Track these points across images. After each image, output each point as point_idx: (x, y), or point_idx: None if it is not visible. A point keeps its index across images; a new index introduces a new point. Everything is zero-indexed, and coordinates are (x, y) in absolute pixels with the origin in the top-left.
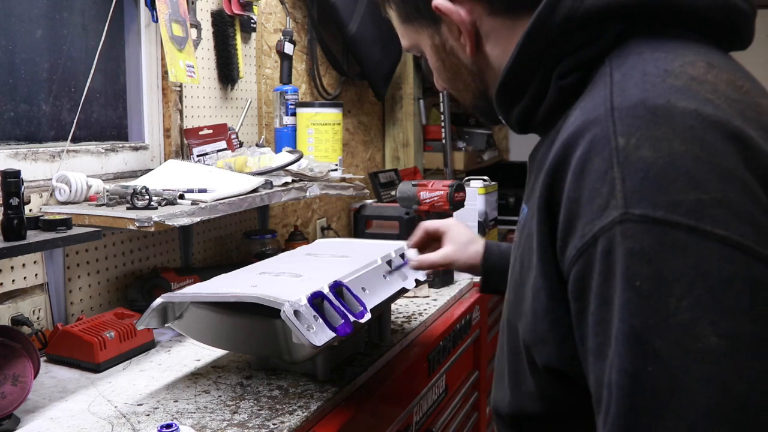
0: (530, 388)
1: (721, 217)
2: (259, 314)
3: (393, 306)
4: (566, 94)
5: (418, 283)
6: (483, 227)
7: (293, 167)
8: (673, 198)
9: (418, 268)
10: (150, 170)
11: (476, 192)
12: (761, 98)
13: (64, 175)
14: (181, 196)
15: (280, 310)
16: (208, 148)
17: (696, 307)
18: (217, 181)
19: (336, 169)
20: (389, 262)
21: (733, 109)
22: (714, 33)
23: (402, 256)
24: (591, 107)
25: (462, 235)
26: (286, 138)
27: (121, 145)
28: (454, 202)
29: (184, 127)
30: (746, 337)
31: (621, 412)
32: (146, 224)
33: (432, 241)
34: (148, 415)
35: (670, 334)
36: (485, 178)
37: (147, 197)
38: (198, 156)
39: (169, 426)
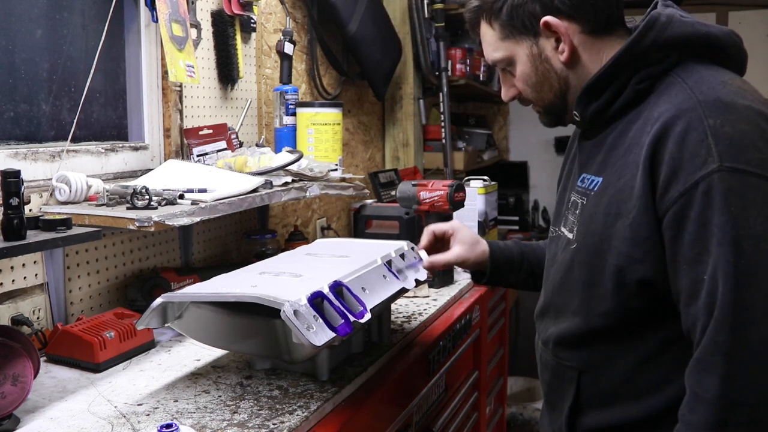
0: (607, 308)
1: None
2: (259, 314)
3: (393, 306)
4: (639, 95)
5: (417, 283)
6: (483, 227)
7: (293, 167)
8: (748, 157)
9: (432, 268)
10: (150, 170)
11: (476, 192)
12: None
13: (64, 175)
14: (181, 196)
15: (280, 310)
16: (208, 148)
17: (765, 222)
18: (217, 181)
19: (336, 169)
20: (389, 263)
21: (764, 105)
22: (729, 63)
23: (402, 256)
24: (680, 102)
25: (468, 236)
26: (286, 138)
27: (121, 145)
28: (454, 202)
29: (184, 127)
30: None
31: (729, 287)
32: (146, 224)
33: (438, 243)
34: (148, 415)
35: (753, 239)
36: (485, 178)
37: (147, 197)
38: (198, 156)
39: (169, 426)
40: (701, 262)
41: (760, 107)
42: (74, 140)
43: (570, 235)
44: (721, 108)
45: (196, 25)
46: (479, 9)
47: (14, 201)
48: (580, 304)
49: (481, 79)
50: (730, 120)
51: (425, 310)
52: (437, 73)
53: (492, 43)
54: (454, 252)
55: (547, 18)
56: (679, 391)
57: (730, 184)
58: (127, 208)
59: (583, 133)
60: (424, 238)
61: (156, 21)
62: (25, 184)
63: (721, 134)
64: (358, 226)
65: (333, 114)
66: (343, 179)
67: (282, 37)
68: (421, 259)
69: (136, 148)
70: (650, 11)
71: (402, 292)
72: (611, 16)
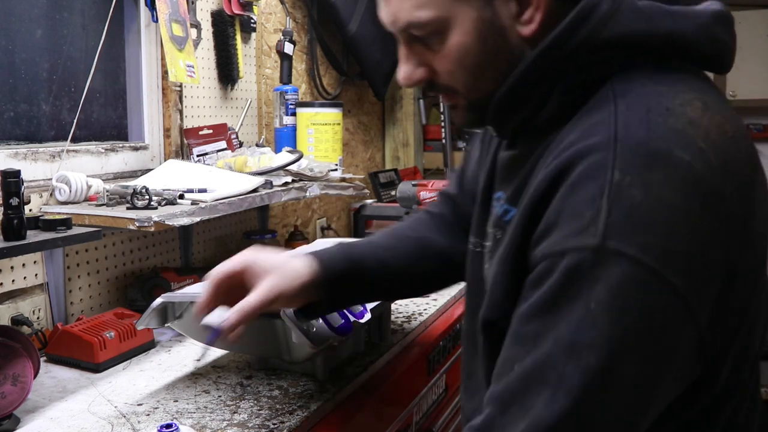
0: None
1: (681, 267)
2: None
3: (393, 306)
4: (566, 108)
5: None
6: None
7: (293, 167)
8: (648, 241)
9: (235, 327)
10: (150, 170)
11: None
12: (741, 141)
13: (64, 175)
14: (181, 196)
15: (280, 310)
16: (208, 148)
17: (632, 349)
18: (217, 181)
19: (336, 169)
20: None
21: (719, 160)
22: (703, 61)
23: (207, 329)
24: (595, 131)
25: (269, 259)
26: (286, 138)
27: (121, 145)
28: None
29: (184, 127)
30: (654, 381)
31: (542, 404)
32: (146, 224)
33: (231, 293)
34: (148, 415)
35: (602, 357)
36: None
37: (147, 197)
38: (198, 156)
39: (169, 426)
40: (525, 342)
41: (704, 170)
42: (74, 140)
43: (485, 268)
44: (642, 158)
45: (196, 25)
46: None
47: (14, 201)
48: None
49: None
50: (647, 181)
51: (425, 310)
52: None
53: None
54: (258, 290)
55: None
56: None
57: (604, 271)
58: (127, 208)
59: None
60: (206, 295)
61: (156, 21)
62: (25, 184)
63: (623, 198)
64: (358, 226)
65: (333, 114)
66: (343, 179)
67: (282, 37)
68: (216, 331)
69: (136, 148)
70: None
71: None
72: None
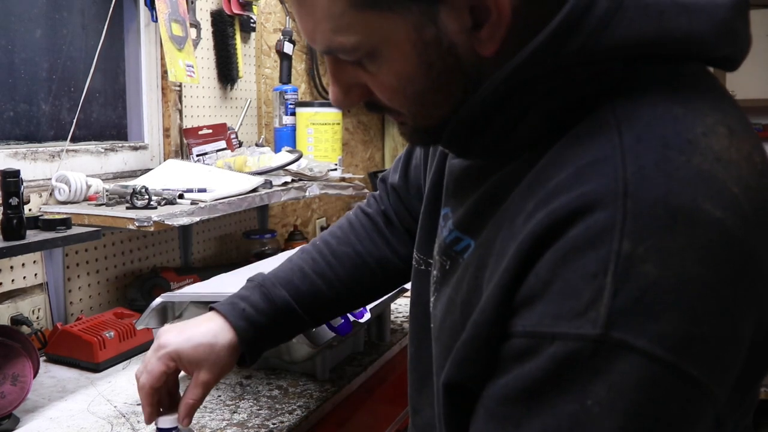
0: None
1: (702, 354)
2: None
3: (393, 306)
4: (552, 130)
5: None
6: None
7: (293, 167)
8: (663, 329)
9: (190, 415)
10: (149, 170)
11: None
12: None
13: (64, 174)
14: (181, 196)
15: None
16: (207, 147)
17: None
18: (216, 180)
19: (335, 169)
20: None
21: (752, 207)
22: (717, 61)
23: None
24: (594, 175)
25: (191, 353)
26: (286, 138)
27: (120, 145)
28: None
29: (184, 127)
30: None
31: None
32: (146, 224)
33: (167, 394)
34: None
35: None
36: None
37: (146, 197)
38: (197, 156)
39: None
40: (498, 423)
41: (737, 228)
42: (74, 140)
43: (432, 300)
44: (660, 219)
45: (196, 25)
46: None
47: (14, 201)
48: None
49: None
50: (666, 250)
51: None
52: None
53: (331, 14)
54: (198, 386)
55: None
56: None
57: (603, 366)
58: (127, 208)
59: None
60: (148, 408)
61: (156, 21)
62: (24, 183)
63: (633, 276)
64: None
65: (333, 114)
66: (342, 179)
67: (282, 37)
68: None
69: (135, 148)
70: None
71: (402, 291)
72: None
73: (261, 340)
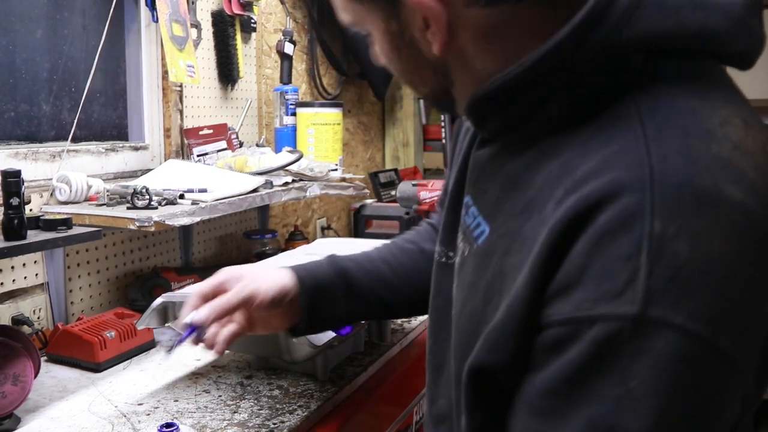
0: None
1: (734, 330)
2: None
3: None
4: (571, 120)
5: None
6: None
7: (293, 167)
8: (697, 306)
9: (206, 322)
10: (150, 170)
11: None
12: None
13: (65, 175)
14: (182, 196)
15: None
16: (208, 147)
17: (679, 429)
18: (217, 180)
19: (336, 169)
20: (170, 349)
21: None
22: (730, 58)
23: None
24: (621, 162)
25: (248, 269)
26: (286, 138)
27: (121, 145)
28: None
29: (185, 127)
30: None
31: None
32: (146, 224)
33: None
34: (149, 414)
35: None
36: None
37: (147, 197)
38: (198, 156)
39: (169, 425)
40: (547, 422)
41: (758, 208)
42: (74, 140)
43: (454, 287)
44: (687, 201)
45: (197, 25)
46: None
47: (15, 201)
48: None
49: None
50: (694, 230)
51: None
52: None
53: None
54: (234, 288)
55: None
56: None
57: (644, 346)
58: (128, 208)
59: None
60: (192, 302)
61: (156, 21)
62: (25, 183)
63: (667, 254)
64: (358, 226)
65: (333, 114)
66: (343, 179)
67: (282, 37)
68: (191, 330)
69: (136, 148)
70: None
71: None
72: None
73: (318, 293)
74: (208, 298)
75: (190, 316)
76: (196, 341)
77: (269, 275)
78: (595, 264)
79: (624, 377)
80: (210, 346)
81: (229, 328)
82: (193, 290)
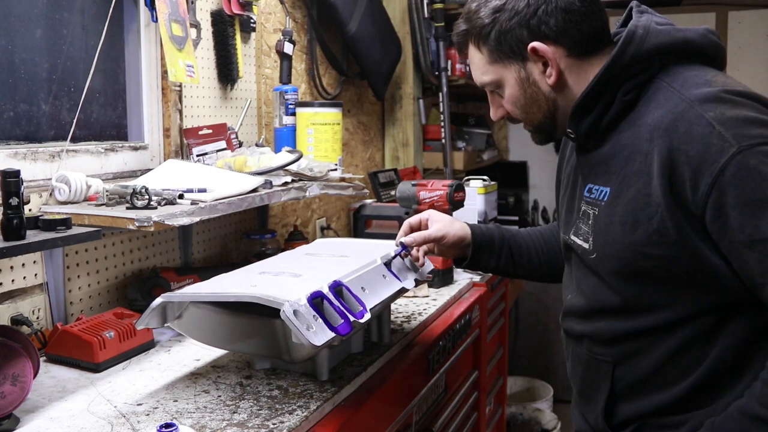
0: (641, 308)
1: None
2: (258, 314)
3: (393, 306)
4: (627, 106)
5: (417, 282)
6: None
7: (293, 167)
8: (760, 131)
9: (412, 244)
10: (149, 170)
11: (476, 192)
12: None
13: (64, 174)
14: (181, 196)
15: (279, 310)
16: (207, 147)
17: None
18: (216, 180)
19: (335, 169)
20: (388, 263)
21: (750, 91)
22: (708, 61)
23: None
24: (672, 105)
25: (444, 216)
26: (286, 138)
27: (120, 145)
28: (454, 202)
29: (184, 127)
30: None
31: None
32: (146, 224)
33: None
34: (148, 414)
35: None
36: (485, 177)
37: (146, 197)
38: (197, 156)
39: (168, 426)
40: (759, 240)
41: (747, 91)
42: (74, 140)
43: (586, 245)
44: (713, 100)
45: (196, 25)
46: (467, 33)
47: (14, 201)
48: (612, 309)
49: None
50: (727, 107)
51: (425, 309)
52: (437, 72)
53: (480, 66)
54: (433, 227)
55: (535, 44)
56: (703, 377)
57: (755, 159)
58: (127, 208)
59: (581, 146)
60: (403, 229)
61: (156, 21)
62: (24, 183)
63: (725, 120)
64: (358, 226)
65: (333, 114)
66: (342, 179)
67: (282, 37)
68: (403, 247)
69: (135, 148)
70: (625, 17)
71: (402, 291)
72: (597, 36)
73: (483, 246)
74: (414, 228)
75: (403, 238)
76: (405, 255)
77: (457, 225)
78: (700, 148)
79: (762, 183)
80: (415, 259)
81: (424, 248)
82: (405, 222)
